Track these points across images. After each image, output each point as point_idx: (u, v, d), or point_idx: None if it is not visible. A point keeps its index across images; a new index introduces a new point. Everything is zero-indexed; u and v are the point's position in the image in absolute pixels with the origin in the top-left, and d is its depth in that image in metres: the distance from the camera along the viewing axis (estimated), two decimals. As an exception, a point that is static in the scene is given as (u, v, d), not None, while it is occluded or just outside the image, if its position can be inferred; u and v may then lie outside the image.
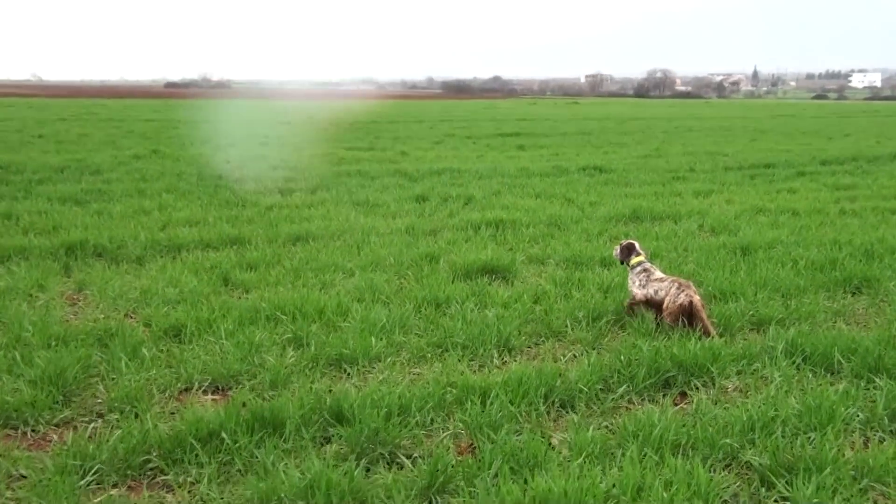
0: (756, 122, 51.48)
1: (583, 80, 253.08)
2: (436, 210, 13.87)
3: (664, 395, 5.82)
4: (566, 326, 7.28)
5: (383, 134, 35.80)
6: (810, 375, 6.15)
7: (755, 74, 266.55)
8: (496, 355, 6.55)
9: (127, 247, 10.16)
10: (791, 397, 5.56)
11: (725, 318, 7.38)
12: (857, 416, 5.29)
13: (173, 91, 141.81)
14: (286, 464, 4.53)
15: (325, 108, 60.84)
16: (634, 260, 7.78)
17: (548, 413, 5.41)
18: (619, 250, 8.00)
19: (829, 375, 6.20)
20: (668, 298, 7.11)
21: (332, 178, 17.64)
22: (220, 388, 5.87)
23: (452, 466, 4.47)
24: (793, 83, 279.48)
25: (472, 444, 4.95)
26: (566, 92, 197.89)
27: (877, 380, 5.91)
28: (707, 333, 6.89)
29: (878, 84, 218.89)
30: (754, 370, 6.23)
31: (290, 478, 4.26)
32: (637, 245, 7.93)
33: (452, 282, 8.73)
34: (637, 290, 7.53)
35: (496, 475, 4.40)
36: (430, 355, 6.49)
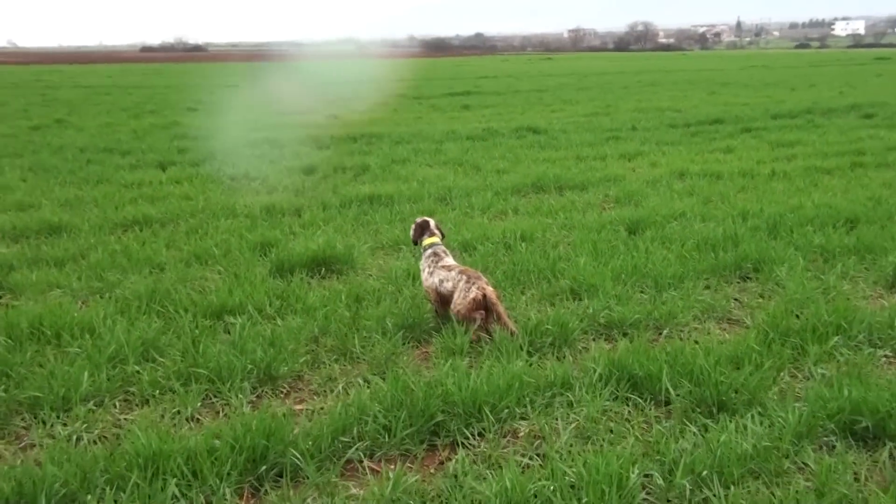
0: (723, 75, 49.79)
1: (565, 35, 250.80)
2: (319, 184, 12.40)
3: (430, 450, 4.43)
4: (364, 342, 5.86)
5: (327, 96, 34.08)
6: (630, 411, 4.77)
7: (738, 25, 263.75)
8: (248, 390, 5.13)
9: None
10: (579, 454, 4.15)
11: (563, 325, 5.95)
12: (657, 484, 3.91)
13: (145, 56, 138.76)
14: None
15: (288, 69, 58.78)
16: (426, 241, 6.47)
17: (241, 492, 3.98)
18: (413, 229, 6.68)
19: (654, 408, 4.80)
20: (456, 293, 5.82)
21: (229, 149, 16.02)
22: None
23: None
24: (776, 33, 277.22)
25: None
26: (548, 47, 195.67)
27: (690, 425, 4.48)
28: (509, 331, 5.69)
29: (862, 31, 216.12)
30: (566, 403, 4.83)
31: None
32: (432, 223, 6.64)
33: (267, 279, 7.30)
34: (425, 277, 6.25)
35: None
36: (157, 394, 5.05)
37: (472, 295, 5.72)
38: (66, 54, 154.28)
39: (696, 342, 5.73)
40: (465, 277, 5.86)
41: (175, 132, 19.41)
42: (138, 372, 5.26)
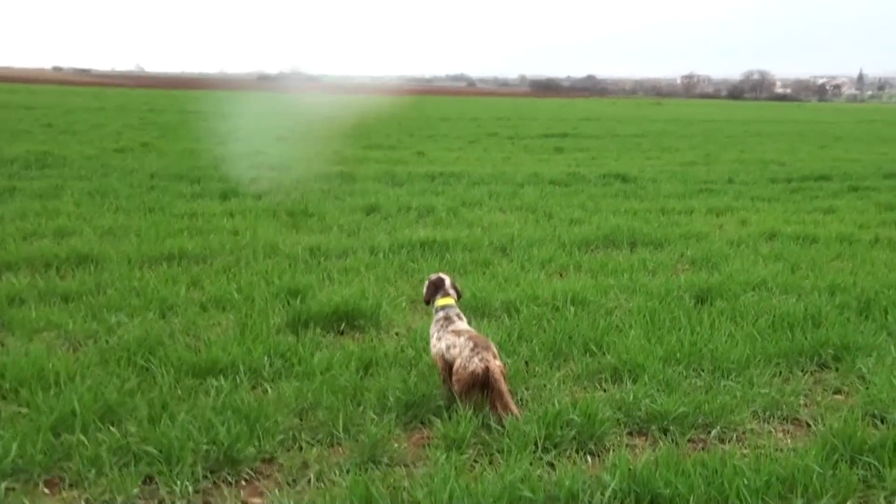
0: (837, 128, 47.49)
1: (678, 80, 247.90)
2: (376, 224, 11.69)
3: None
4: (360, 419, 5.04)
5: (421, 132, 33.75)
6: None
7: (860, 77, 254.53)
8: (200, 475, 4.35)
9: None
10: None
11: (590, 415, 5.01)
12: None
13: (260, 84, 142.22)
14: None
15: (391, 103, 58.92)
16: (439, 302, 5.65)
17: None
18: (426, 286, 5.89)
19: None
20: (458, 362, 5.03)
21: (301, 181, 15.54)
22: None
23: None
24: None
25: None
26: (659, 92, 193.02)
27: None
28: (507, 411, 4.91)
29: None
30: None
31: None
32: (448, 281, 5.81)
33: (275, 334, 6.57)
34: (434, 343, 5.46)
35: None
36: (92, 475, 4.29)
37: (471, 367, 4.91)
38: (183, 80, 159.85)
39: (747, 449, 4.71)
40: (471, 345, 5.04)
41: (255, 161, 19.07)
42: (81, 443, 4.55)
